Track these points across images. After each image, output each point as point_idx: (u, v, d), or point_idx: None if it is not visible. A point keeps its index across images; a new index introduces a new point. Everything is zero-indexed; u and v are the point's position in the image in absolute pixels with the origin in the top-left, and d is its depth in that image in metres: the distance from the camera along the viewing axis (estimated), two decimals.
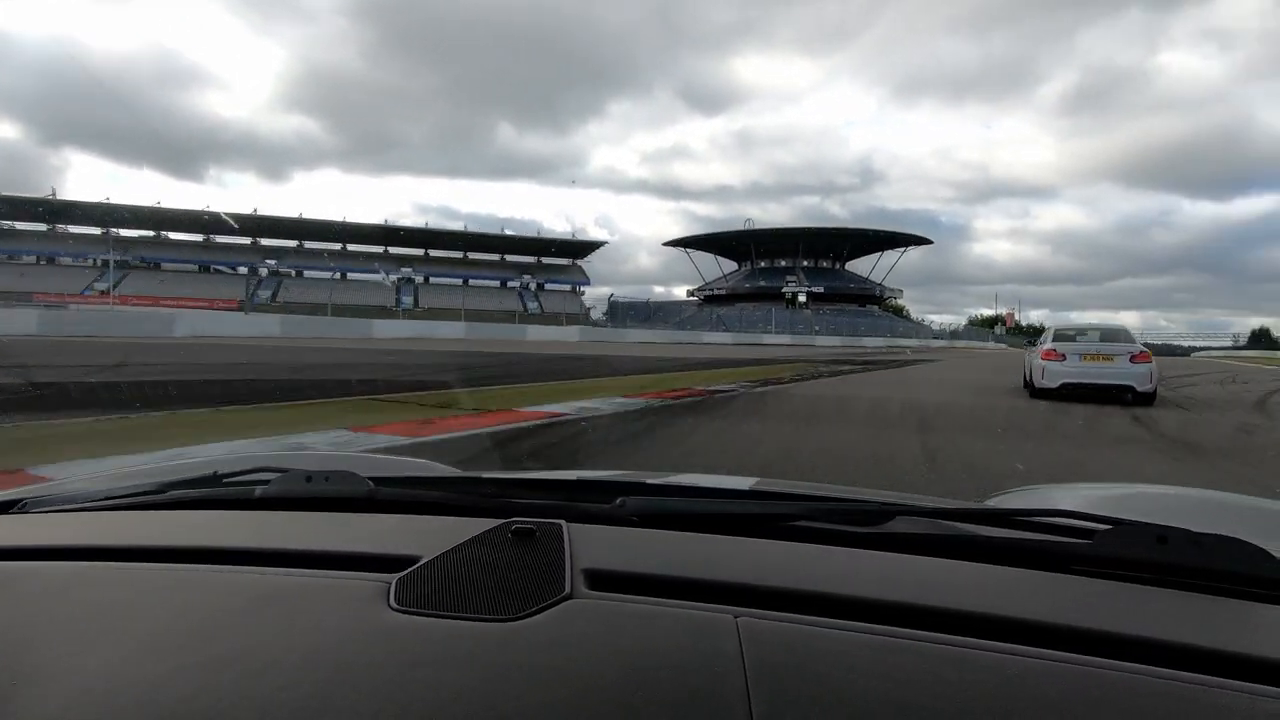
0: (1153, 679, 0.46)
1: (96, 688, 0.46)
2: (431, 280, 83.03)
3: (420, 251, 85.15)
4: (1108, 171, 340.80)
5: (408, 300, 74.36)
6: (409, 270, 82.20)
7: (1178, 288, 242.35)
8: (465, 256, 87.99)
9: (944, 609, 0.55)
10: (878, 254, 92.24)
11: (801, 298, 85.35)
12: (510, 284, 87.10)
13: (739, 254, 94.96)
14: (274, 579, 0.62)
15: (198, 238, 74.81)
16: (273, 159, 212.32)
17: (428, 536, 0.68)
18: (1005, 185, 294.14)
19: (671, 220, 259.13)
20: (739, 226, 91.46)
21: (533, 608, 0.53)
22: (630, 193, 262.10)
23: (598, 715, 0.42)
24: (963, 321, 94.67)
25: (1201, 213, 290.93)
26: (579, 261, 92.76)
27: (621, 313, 73.32)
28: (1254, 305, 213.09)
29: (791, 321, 74.75)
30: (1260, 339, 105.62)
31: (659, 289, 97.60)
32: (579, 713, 0.42)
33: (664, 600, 0.56)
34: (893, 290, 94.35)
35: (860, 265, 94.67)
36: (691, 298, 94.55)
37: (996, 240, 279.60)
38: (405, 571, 0.60)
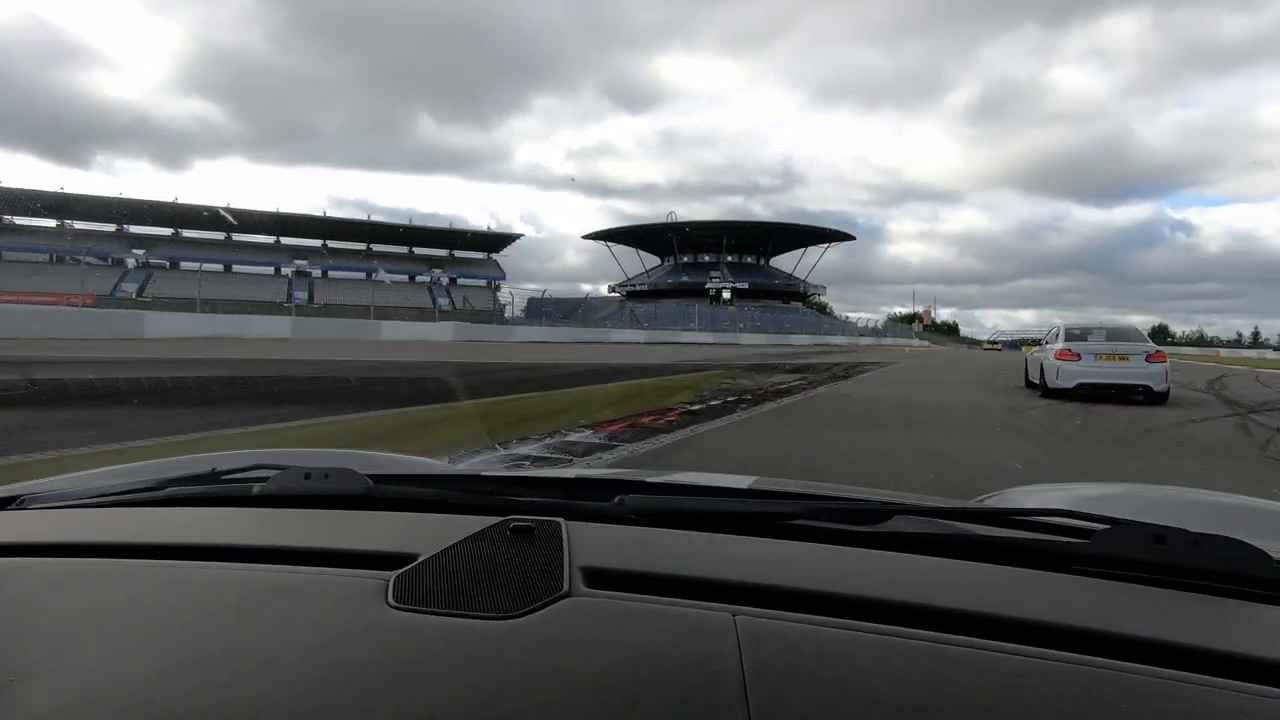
0: (1151, 679, 0.46)
1: (94, 685, 0.46)
2: (331, 274, 76.24)
3: (318, 243, 78.14)
4: (1008, 178, 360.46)
5: (300, 295, 67.34)
6: (303, 263, 75.17)
7: (1068, 288, 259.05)
8: (369, 249, 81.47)
9: (942, 608, 0.54)
10: (801, 250, 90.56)
11: (726, 294, 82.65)
12: (419, 279, 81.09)
13: (662, 249, 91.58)
14: (272, 576, 0.62)
15: (49, 223, 65.84)
16: (170, 145, 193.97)
17: (426, 534, 0.68)
18: (916, 189, 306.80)
19: (599, 218, 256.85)
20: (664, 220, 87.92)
21: (531, 605, 0.53)
22: (556, 189, 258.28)
23: (596, 713, 0.42)
24: (880, 319, 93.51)
25: (1089, 218, 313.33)
26: (494, 255, 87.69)
27: (538, 309, 68.41)
28: (1132, 304, 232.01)
29: (715, 318, 71.67)
30: (1156, 336, 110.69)
31: (587, 287, 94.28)
32: (577, 711, 0.42)
33: (662, 599, 0.56)
34: (816, 287, 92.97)
35: (784, 262, 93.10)
36: (614, 294, 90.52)
37: (908, 242, 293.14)
38: (403, 569, 0.59)
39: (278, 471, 0.90)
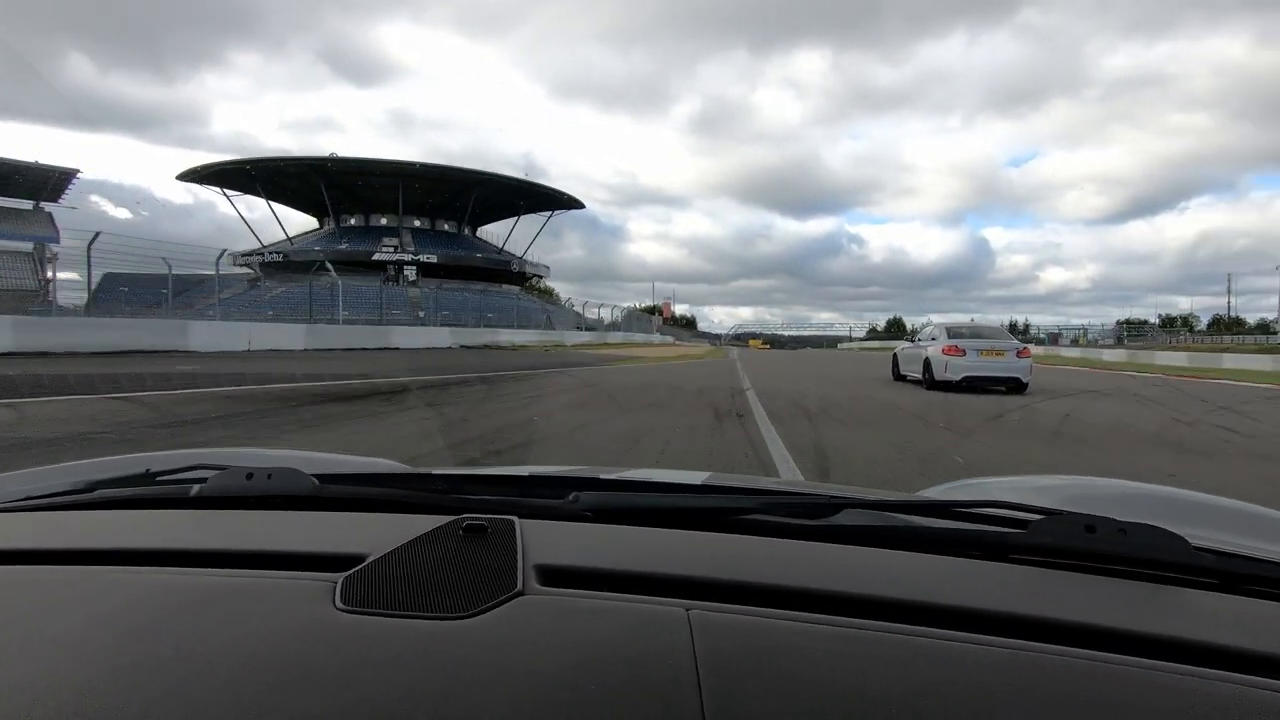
0: (1080, 661, 0.48)
1: (17, 697, 0.43)
2: None
3: None
4: (726, 188, 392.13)
5: None
6: None
7: (776, 289, 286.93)
8: None
9: (890, 598, 0.56)
10: (514, 219, 69.35)
11: (410, 271, 57.93)
12: None
13: (319, 204, 63.88)
14: (212, 580, 0.59)
15: None
16: None
17: (376, 534, 0.67)
18: (651, 193, 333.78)
19: None
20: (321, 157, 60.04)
21: (484, 605, 0.52)
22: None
23: (550, 711, 0.42)
24: (615, 311, 74.18)
25: (789, 228, 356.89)
26: (47, 205, 55.15)
27: (113, 289, 38.43)
28: (822, 303, 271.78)
29: (389, 302, 47.37)
30: (890, 330, 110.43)
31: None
32: (531, 709, 0.42)
33: (616, 595, 0.55)
34: (538, 266, 72.32)
35: (499, 235, 70.91)
36: (243, 268, 61.00)
37: (646, 242, 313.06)
38: (352, 570, 0.58)
39: (217, 472, 0.87)
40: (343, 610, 0.52)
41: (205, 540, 0.70)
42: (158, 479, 0.91)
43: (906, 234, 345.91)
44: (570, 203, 70.08)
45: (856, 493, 0.89)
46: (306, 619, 0.51)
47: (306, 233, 66.37)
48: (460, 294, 55.49)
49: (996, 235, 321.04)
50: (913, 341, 13.87)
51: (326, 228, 65.29)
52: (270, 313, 39.78)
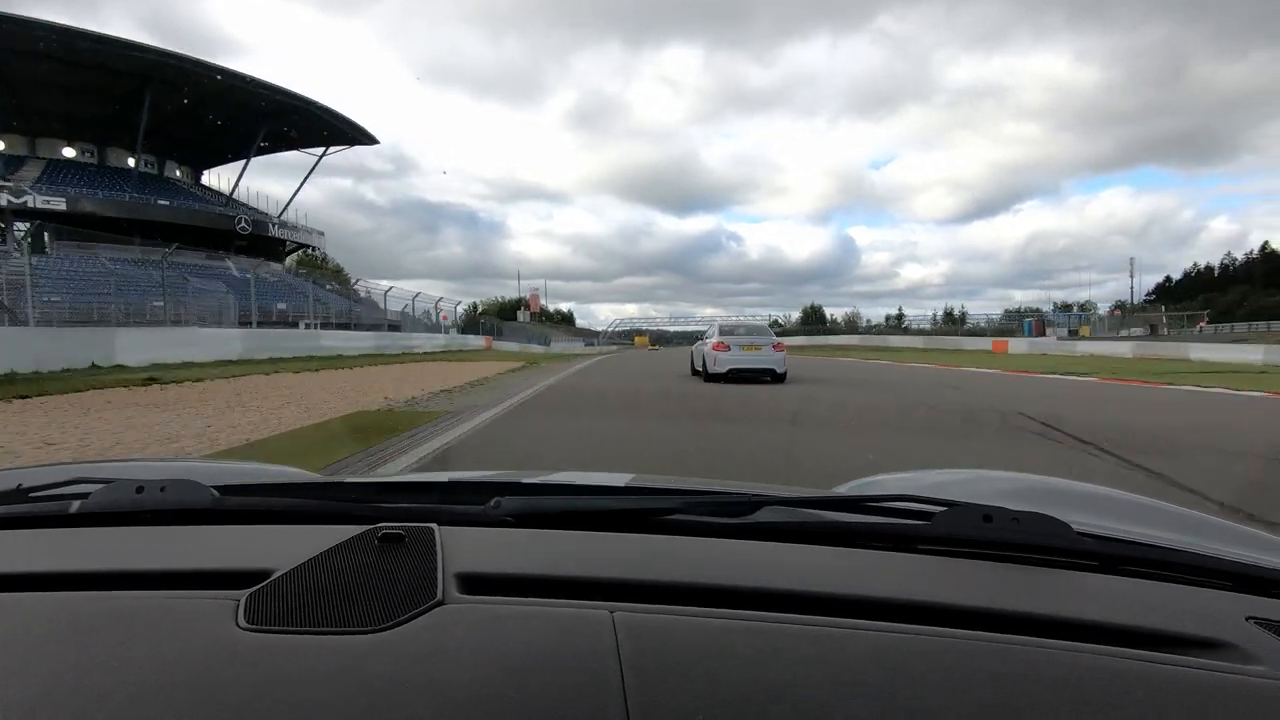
0: (978, 643, 0.50)
1: None
2: None
3: None
4: (607, 184, 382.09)
5: None
6: None
7: (661, 285, 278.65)
8: None
9: (807, 592, 0.58)
10: (244, 161, 44.03)
11: (20, 227, 31.45)
12: None
13: None
14: (100, 602, 0.55)
15: None
16: None
17: (283, 547, 0.64)
18: (531, 189, 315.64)
19: None
20: None
21: (401, 617, 0.51)
22: None
23: None
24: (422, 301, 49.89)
25: (670, 226, 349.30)
26: None
27: None
28: (706, 299, 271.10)
29: None
30: (807, 319, 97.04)
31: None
32: None
33: (540, 600, 0.55)
34: (300, 231, 47.45)
35: (279, 196, 45.28)
36: None
37: (529, 239, 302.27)
38: (256, 587, 0.55)
39: (103, 485, 0.81)
40: (246, 630, 0.49)
41: (90, 561, 0.65)
42: (30, 495, 0.83)
43: (781, 232, 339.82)
44: (350, 133, 45.50)
45: (775, 491, 0.91)
46: (206, 641, 0.48)
47: None
48: (124, 267, 30.14)
49: (861, 234, 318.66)
50: (701, 340, 15.27)
51: None
52: None
